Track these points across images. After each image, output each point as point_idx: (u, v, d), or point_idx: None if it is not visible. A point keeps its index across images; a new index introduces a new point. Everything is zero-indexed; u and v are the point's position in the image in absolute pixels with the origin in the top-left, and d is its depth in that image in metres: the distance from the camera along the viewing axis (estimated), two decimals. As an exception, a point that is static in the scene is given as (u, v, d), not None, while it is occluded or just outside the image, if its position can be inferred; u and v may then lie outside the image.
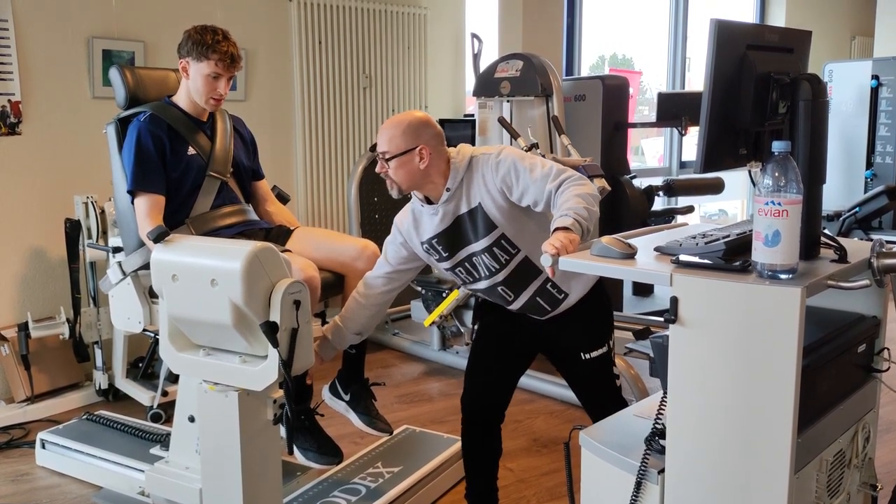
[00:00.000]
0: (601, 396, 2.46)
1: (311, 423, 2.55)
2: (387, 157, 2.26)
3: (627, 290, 5.52)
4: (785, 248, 1.53)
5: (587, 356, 2.41)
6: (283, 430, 2.38)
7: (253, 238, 2.54)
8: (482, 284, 2.36)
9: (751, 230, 1.61)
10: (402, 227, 2.39)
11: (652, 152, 7.77)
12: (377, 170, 2.33)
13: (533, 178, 2.19)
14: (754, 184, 1.68)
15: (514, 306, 2.37)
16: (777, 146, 1.55)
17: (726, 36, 1.70)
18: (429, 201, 2.33)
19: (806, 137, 1.71)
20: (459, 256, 2.34)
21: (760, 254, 1.55)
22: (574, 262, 1.81)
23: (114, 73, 2.81)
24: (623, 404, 2.36)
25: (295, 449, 2.50)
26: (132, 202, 2.61)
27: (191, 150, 2.69)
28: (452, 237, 2.32)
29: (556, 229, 1.98)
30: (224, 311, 2.11)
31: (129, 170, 2.60)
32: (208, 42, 2.62)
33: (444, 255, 2.35)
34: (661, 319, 1.74)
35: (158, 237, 2.30)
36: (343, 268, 2.67)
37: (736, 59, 1.72)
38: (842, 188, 6.62)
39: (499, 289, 2.34)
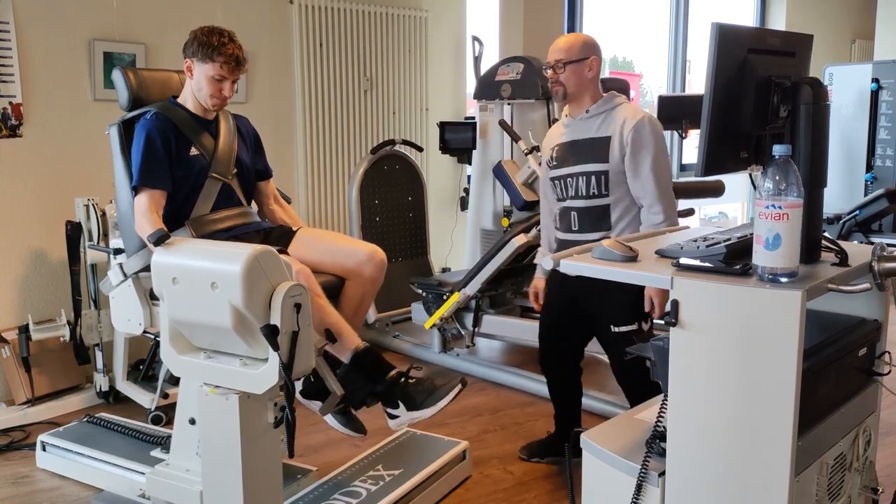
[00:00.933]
0: (631, 375, 2.63)
1: (414, 377, 2.58)
2: (563, 62, 2.68)
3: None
4: (785, 252, 1.53)
5: (617, 329, 2.63)
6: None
7: (249, 241, 2.52)
8: (566, 203, 2.76)
9: (751, 233, 1.61)
10: (547, 138, 2.88)
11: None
12: (548, 75, 2.72)
13: (643, 171, 2.60)
14: (755, 187, 1.68)
15: (571, 237, 2.74)
16: (778, 150, 1.55)
17: (727, 40, 1.70)
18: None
19: (807, 141, 1.71)
20: (563, 171, 2.75)
21: (761, 257, 1.55)
22: (576, 265, 1.82)
23: (117, 75, 2.81)
24: (656, 389, 2.34)
25: (421, 410, 2.50)
26: (134, 197, 2.61)
27: (194, 151, 2.69)
28: (568, 152, 2.74)
29: None
30: (224, 314, 2.10)
31: (136, 166, 2.59)
32: (214, 44, 2.61)
33: (555, 164, 2.77)
34: (662, 322, 1.74)
35: (159, 240, 2.29)
36: (347, 272, 2.65)
37: (737, 62, 1.72)
38: (842, 191, 6.61)
39: (573, 213, 2.75)
